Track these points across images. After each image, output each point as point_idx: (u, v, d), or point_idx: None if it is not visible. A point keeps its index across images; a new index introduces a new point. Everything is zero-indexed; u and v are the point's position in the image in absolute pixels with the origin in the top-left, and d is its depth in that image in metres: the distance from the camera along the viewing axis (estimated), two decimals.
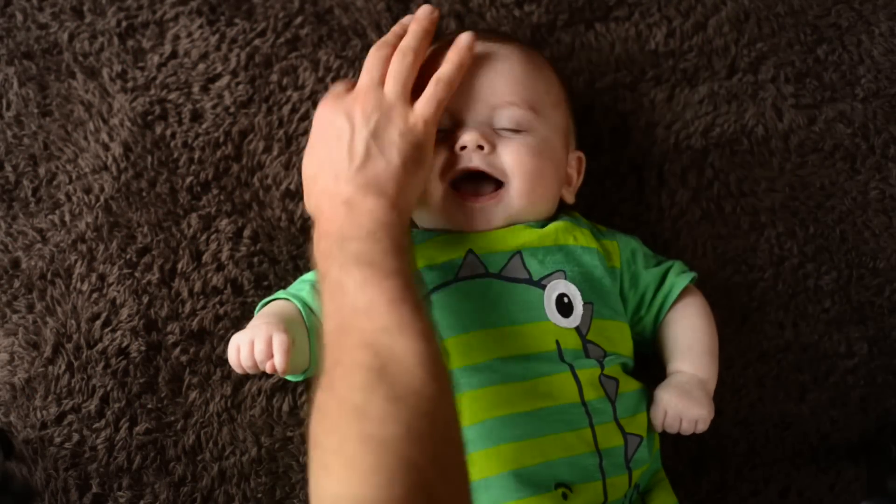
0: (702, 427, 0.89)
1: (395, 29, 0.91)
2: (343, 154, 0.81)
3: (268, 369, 0.83)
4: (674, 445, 0.99)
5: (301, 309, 0.90)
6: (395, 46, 0.87)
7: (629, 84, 1.09)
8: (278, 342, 0.82)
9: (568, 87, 1.01)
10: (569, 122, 0.97)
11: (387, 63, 0.86)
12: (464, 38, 0.89)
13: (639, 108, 1.08)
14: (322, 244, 0.78)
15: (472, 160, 0.89)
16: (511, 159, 0.89)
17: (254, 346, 0.83)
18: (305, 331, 0.89)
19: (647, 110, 1.08)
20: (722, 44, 1.10)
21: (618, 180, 1.06)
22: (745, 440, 1.01)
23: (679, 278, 0.95)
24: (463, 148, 0.89)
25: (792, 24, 1.11)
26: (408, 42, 0.87)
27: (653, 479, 0.92)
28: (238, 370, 0.85)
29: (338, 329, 0.72)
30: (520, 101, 0.91)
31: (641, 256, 0.96)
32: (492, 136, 0.90)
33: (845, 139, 1.08)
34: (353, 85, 0.87)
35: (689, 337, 0.93)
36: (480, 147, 0.88)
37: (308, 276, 0.96)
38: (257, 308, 0.94)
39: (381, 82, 0.85)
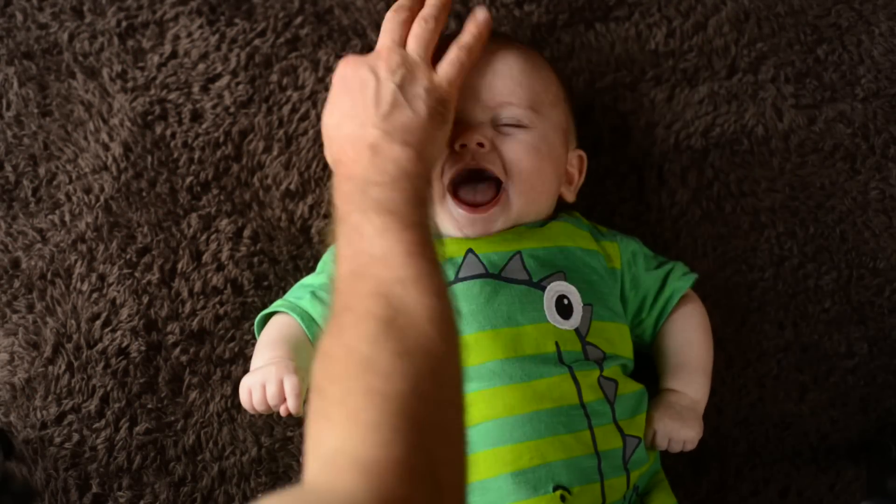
0: (689, 447, 0.91)
1: None
2: (369, 102, 0.81)
3: (282, 413, 0.83)
4: None
5: (302, 324, 0.90)
6: (413, 11, 0.88)
7: (629, 84, 1.09)
8: (290, 386, 0.82)
9: (567, 86, 1.01)
10: (568, 121, 0.97)
11: (406, 27, 0.87)
12: (481, 14, 0.89)
13: (639, 107, 1.08)
14: (344, 186, 0.76)
15: (473, 158, 0.89)
16: (511, 156, 0.89)
17: (266, 389, 0.83)
18: (311, 346, 0.89)
19: (647, 110, 1.08)
20: (722, 44, 1.10)
21: (618, 180, 1.06)
22: (745, 440, 1.01)
23: (679, 283, 0.95)
24: (463, 146, 0.89)
25: (792, 24, 1.11)
26: (429, 10, 0.88)
27: (652, 480, 0.92)
28: (250, 411, 0.86)
29: (351, 274, 0.70)
30: (518, 101, 0.91)
31: (642, 258, 0.96)
32: (491, 133, 0.90)
33: (845, 139, 1.08)
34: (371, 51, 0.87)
35: (685, 353, 0.95)
36: (480, 145, 0.88)
37: (307, 280, 0.96)
38: (257, 322, 0.94)
39: (402, 44, 0.86)
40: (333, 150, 0.83)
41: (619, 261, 0.94)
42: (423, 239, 0.72)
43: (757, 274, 1.05)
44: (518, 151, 0.89)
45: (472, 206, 0.89)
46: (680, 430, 0.90)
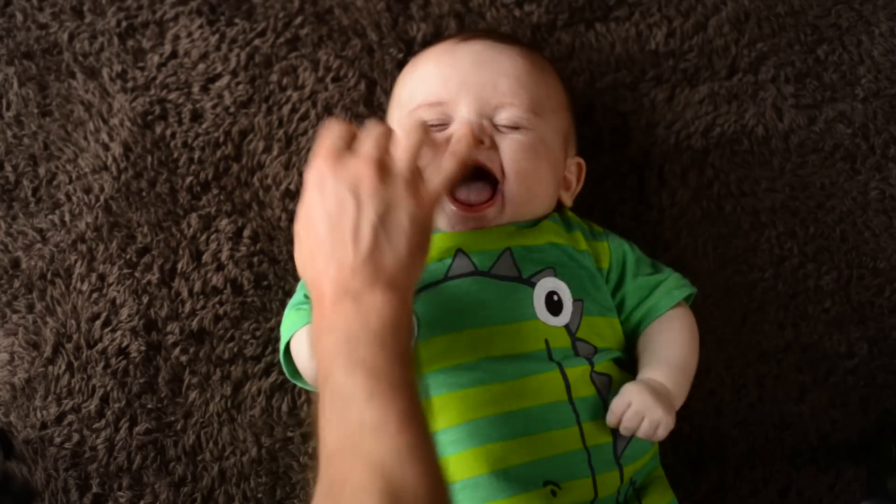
0: (661, 433, 0.84)
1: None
2: (347, 237, 0.74)
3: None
4: (673, 445, 0.99)
5: None
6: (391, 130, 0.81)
7: (629, 84, 1.09)
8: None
9: (571, 92, 1.00)
10: (569, 128, 0.97)
11: (388, 136, 0.79)
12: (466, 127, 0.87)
13: (639, 108, 1.08)
14: (325, 339, 0.72)
15: (471, 155, 0.89)
16: (509, 155, 0.89)
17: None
18: None
19: (647, 110, 1.08)
20: (722, 44, 1.10)
21: (618, 180, 1.06)
22: (745, 440, 1.01)
23: (668, 297, 0.92)
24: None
25: (792, 24, 1.11)
26: (414, 128, 0.80)
27: (650, 476, 0.91)
28: None
29: (343, 442, 0.67)
30: (520, 101, 0.91)
31: (633, 262, 0.94)
32: (491, 130, 0.90)
33: (845, 139, 1.08)
34: (353, 135, 0.79)
35: (667, 351, 0.90)
36: (480, 141, 0.89)
37: (295, 300, 0.94)
38: (282, 354, 0.92)
39: (387, 151, 0.78)
40: (307, 276, 0.78)
41: (608, 260, 0.93)
42: (413, 402, 0.69)
43: (757, 274, 1.05)
44: (516, 151, 0.89)
45: (467, 205, 0.89)
46: (657, 409, 0.83)
